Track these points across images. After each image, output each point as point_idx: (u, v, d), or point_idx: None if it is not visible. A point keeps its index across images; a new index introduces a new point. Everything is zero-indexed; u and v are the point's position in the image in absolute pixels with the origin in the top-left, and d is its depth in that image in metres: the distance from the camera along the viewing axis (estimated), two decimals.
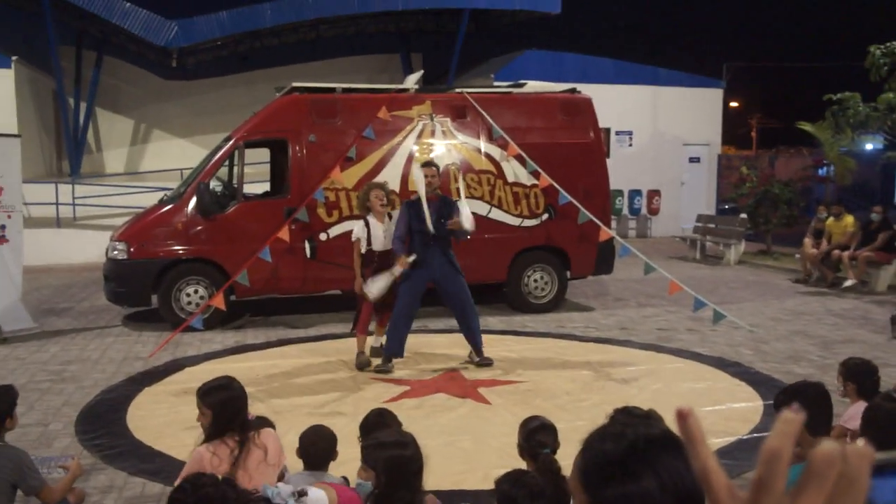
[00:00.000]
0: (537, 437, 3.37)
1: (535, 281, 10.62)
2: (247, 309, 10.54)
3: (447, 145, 10.30)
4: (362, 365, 7.64)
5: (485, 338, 8.06)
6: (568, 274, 10.81)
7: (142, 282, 9.56)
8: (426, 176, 7.56)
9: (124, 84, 22.09)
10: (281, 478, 3.48)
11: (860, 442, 0.63)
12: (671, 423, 0.86)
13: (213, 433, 3.38)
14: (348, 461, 3.80)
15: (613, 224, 15.98)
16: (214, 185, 10.13)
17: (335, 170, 9.75)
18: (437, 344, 8.61)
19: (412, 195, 7.95)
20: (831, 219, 13.24)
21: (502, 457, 4.90)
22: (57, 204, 16.20)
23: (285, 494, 2.80)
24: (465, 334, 7.77)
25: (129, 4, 18.86)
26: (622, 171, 18.75)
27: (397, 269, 7.40)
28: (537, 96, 10.95)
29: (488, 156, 10.39)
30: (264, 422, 3.69)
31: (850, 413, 4.19)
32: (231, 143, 9.97)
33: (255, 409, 4.18)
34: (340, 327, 9.31)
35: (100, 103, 21.52)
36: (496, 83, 14.22)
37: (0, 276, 8.96)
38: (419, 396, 6.82)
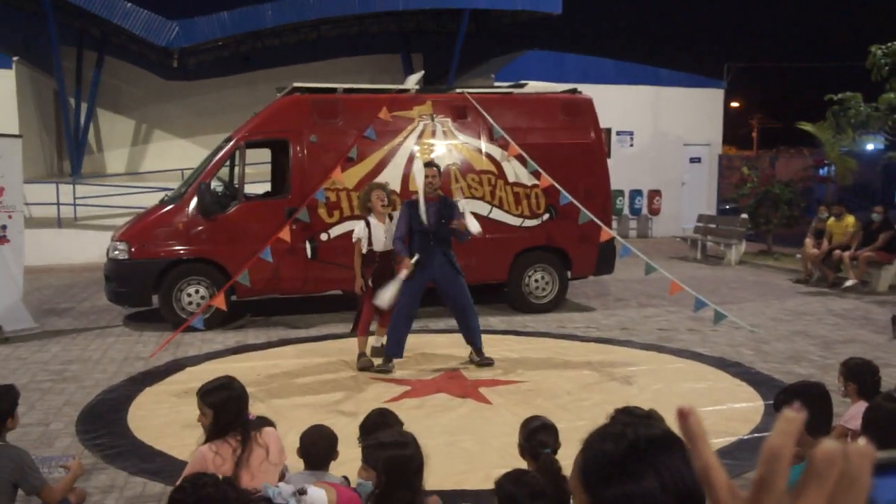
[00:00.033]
0: (538, 436, 3.37)
1: (536, 281, 10.63)
2: (248, 309, 10.54)
3: (448, 145, 10.30)
4: (364, 367, 7.64)
5: (485, 338, 8.06)
6: (569, 274, 10.81)
7: (143, 282, 9.57)
8: (427, 176, 7.58)
9: (125, 84, 22.09)
10: (282, 477, 3.48)
11: (861, 441, 0.63)
12: (672, 424, 0.86)
13: (214, 433, 3.38)
14: (349, 461, 3.79)
15: (614, 224, 15.98)
16: (215, 185, 10.14)
17: (336, 170, 9.76)
18: (438, 344, 8.61)
19: (413, 195, 7.96)
20: (832, 219, 13.23)
21: (503, 457, 4.90)
22: (58, 204, 16.22)
23: (286, 494, 2.80)
24: (465, 334, 7.77)
25: (130, 5, 18.86)
26: (623, 172, 18.75)
27: (403, 274, 7.38)
28: (538, 96, 10.95)
29: (489, 156, 10.40)
30: (265, 422, 3.69)
31: (851, 413, 4.19)
32: (232, 143, 9.98)
33: (255, 409, 4.18)
34: (341, 327, 9.31)
35: (101, 103, 21.53)
36: (497, 83, 14.22)
37: (1, 276, 8.96)
38: (420, 396, 6.82)
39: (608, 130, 19.12)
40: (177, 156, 20.83)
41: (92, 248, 15.15)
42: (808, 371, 7.54)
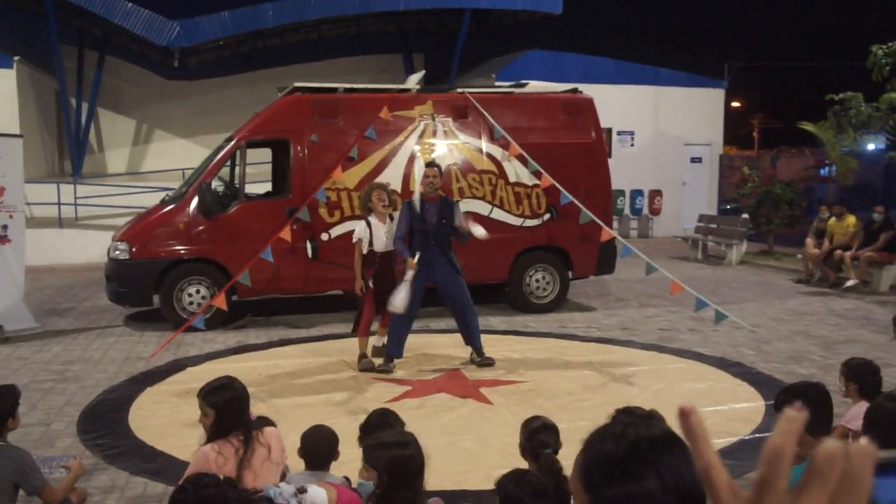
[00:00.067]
0: (539, 437, 3.36)
1: (537, 281, 10.62)
2: (248, 309, 10.54)
3: (449, 145, 10.30)
4: (365, 368, 7.64)
5: (486, 338, 8.06)
6: (569, 274, 10.81)
7: (143, 282, 9.57)
8: (427, 176, 7.58)
9: (126, 84, 22.10)
10: (283, 477, 3.48)
11: (863, 440, 0.62)
12: (673, 424, 0.86)
13: (215, 433, 3.38)
14: (350, 461, 3.79)
15: (615, 224, 15.98)
16: (216, 185, 10.14)
17: (337, 170, 9.76)
18: (439, 344, 8.61)
19: (414, 195, 7.97)
20: (833, 219, 13.22)
21: (504, 457, 4.90)
22: (59, 204, 16.23)
23: (287, 494, 2.80)
24: (465, 335, 7.77)
25: (130, 4, 18.87)
26: (624, 171, 18.74)
27: (409, 274, 7.37)
28: (539, 96, 10.95)
29: (490, 156, 10.40)
30: (265, 422, 3.69)
31: (852, 413, 4.18)
32: (233, 143, 9.98)
33: (256, 409, 4.18)
34: (342, 327, 9.31)
35: (102, 103, 21.53)
36: (498, 83, 14.21)
37: (2, 276, 8.96)
38: (421, 396, 6.82)
39: (609, 130, 19.12)
40: (178, 155, 20.83)
41: (93, 248, 15.16)
42: (809, 371, 7.54)
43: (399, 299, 7.29)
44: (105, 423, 6.17)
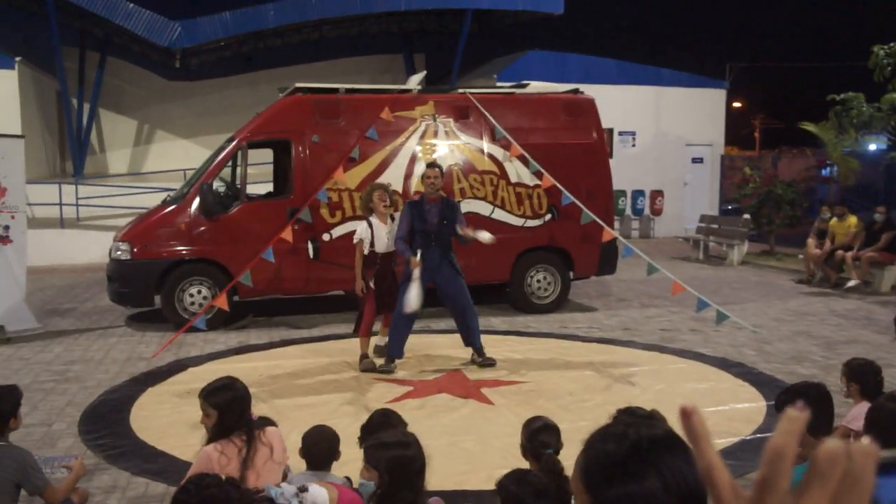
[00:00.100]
0: (540, 437, 3.36)
1: (538, 281, 10.62)
2: (250, 309, 10.54)
3: (450, 146, 10.30)
4: (366, 368, 7.63)
5: (487, 338, 8.06)
6: (571, 274, 10.81)
7: (145, 282, 9.57)
8: (428, 177, 7.58)
9: (128, 85, 22.12)
10: (284, 477, 3.48)
11: (865, 440, 0.62)
12: (674, 424, 0.86)
13: (217, 433, 3.39)
14: (351, 461, 3.79)
15: (616, 224, 15.98)
16: (217, 185, 10.14)
17: (338, 170, 9.76)
18: (440, 344, 8.61)
19: (415, 195, 7.97)
20: (835, 219, 13.22)
21: (505, 457, 4.90)
22: (60, 204, 16.24)
23: (289, 494, 2.80)
24: (464, 335, 7.76)
25: (132, 5, 18.89)
26: (625, 172, 18.74)
27: (416, 272, 7.35)
28: (540, 97, 10.94)
29: (491, 156, 10.40)
30: (267, 422, 3.70)
31: (854, 413, 4.19)
32: (234, 143, 9.98)
33: (258, 409, 4.18)
34: (343, 328, 9.31)
35: (103, 104, 21.55)
36: (499, 83, 14.22)
37: (4, 277, 8.97)
38: (422, 397, 6.82)
39: (610, 130, 19.11)
40: (179, 156, 20.85)
41: (94, 249, 15.17)
42: (810, 371, 7.54)
43: (412, 297, 7.27)
44: (106, 424, 6.18)
